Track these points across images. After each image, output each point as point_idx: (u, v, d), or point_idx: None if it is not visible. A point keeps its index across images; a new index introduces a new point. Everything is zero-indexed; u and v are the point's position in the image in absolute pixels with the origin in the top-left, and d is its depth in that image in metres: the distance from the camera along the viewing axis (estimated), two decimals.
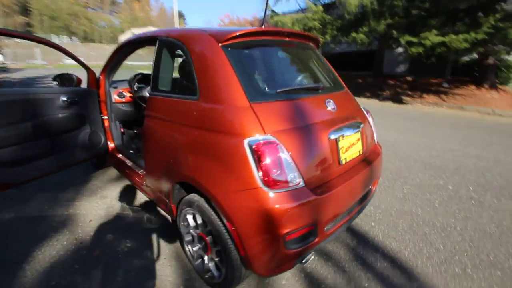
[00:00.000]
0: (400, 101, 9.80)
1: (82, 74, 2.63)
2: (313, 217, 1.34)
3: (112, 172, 3.14)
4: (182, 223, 1.70)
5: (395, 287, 1.68)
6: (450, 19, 8.54)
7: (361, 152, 1.76)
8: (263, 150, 1.24)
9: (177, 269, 1.77)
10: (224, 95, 1.38)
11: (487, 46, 8.20)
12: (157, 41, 1.84)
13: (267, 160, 1.24)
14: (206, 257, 1.59)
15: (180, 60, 1.83)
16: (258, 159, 1.24)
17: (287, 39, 1.80)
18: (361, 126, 1.78)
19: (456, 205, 2.66)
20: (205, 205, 1.43)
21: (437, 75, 11.70)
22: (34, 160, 2.10)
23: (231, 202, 1.27)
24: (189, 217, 1.63)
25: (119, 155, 2.71)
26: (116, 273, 1.72)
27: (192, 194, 1.54)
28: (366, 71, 13.73)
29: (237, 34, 1.48)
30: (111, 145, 2.78)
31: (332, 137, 1.52)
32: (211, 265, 1.56)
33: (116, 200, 2.57)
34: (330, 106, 1.65)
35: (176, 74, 1.88)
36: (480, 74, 10.40)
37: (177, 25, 24.17)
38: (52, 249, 1.91)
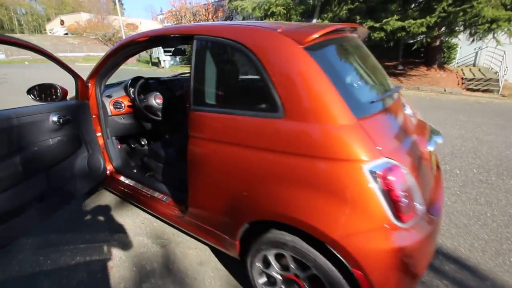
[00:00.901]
0: None
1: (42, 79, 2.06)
2: (436, 240, 1.20)
3: (108, 196, 2.62)
4: (257, 264, 1.42)
5: None
6: (406, 4, 9.04)
7: (435, 157, 1.66)
8: (391, 177, 1.03)
9: None
10: (323, 112, 1.12)
11: (439, 29, 8.92)
12: (195, 40, 1.45)
13: (397, 189, 1.04)
14: None
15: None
16: (386, 189, 1.03)
17: (349, 35, 1.57)
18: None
19: (473, 190, 2.79)
20: (307, 246, 1.18)
21: (391, 58, 12.50)
22: (27, 207, 1.58)
23: (358, 245, 1.04)
24: (271, 258, 1.36)
25: (123, 178, 2.25)
26: None
27: (280, 232, 1.27)
28: None
29: (317, 35, 1.21)
30: (108, 166, 2.29)
31: (429, 148, 1.37)
32: None
33: (132, 234, 2.13)
34: (408, 111, 1.49)
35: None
36: (428, 56, 11.38)
37: (119, 11, 21.85)
38: None
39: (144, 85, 2.36)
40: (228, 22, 1.58)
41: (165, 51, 14.96)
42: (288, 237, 1.23)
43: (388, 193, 1.03)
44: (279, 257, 1.36)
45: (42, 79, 1.97)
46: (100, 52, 31.40)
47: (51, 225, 2.19)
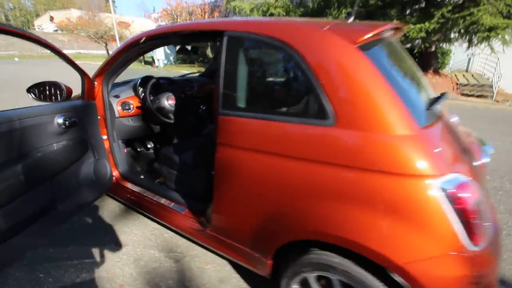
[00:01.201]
0: None
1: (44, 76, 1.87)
2: None
3: (112, 204, 2.43)
4: (295, 286, 1.28)
5: None
6: (404, 9, 9.11)
7: None
8: (464, 194, 0.91)
9: None
10: (383, 120, 0.99)
11: (435, 34, 8.99)
12: (225, 37, 1.30)
13: (471, 208, 0.92)
14: None
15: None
16: (459, 208, 0.91)
17: (392, 35, 1.44)
18: None
19: (491, 197, 2.72)
20: (362, 271, 1.04)
21: None
22: (29, 222, 1.39)
23: (429, 272, 0.92)
24: (312, 281, 1.22)
25: (129, 185, 2.08)
26: None
27: (325, 253, 1.13)
28: None
29: (371, 34, 1.08)
30: (114, 172, 2.11)
31: (485, 159, 1.26)
32: None
33: (142, 247, 1.95)
34: (454, 118, 1.39)
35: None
36: (424, 61, 11.47)
37: (112, 8, 21.38)
38: None
39: (155, 85, 2.19)
40: (265, 17, 1.43)
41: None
42: (337, 259, 1.10)
43: (462, 213, 0.91)
44: (319, 279, 1.22)
45: (46, 76, 1.77)
46: (91, 50, 30.65)
47: (51, 237, 1.99)
